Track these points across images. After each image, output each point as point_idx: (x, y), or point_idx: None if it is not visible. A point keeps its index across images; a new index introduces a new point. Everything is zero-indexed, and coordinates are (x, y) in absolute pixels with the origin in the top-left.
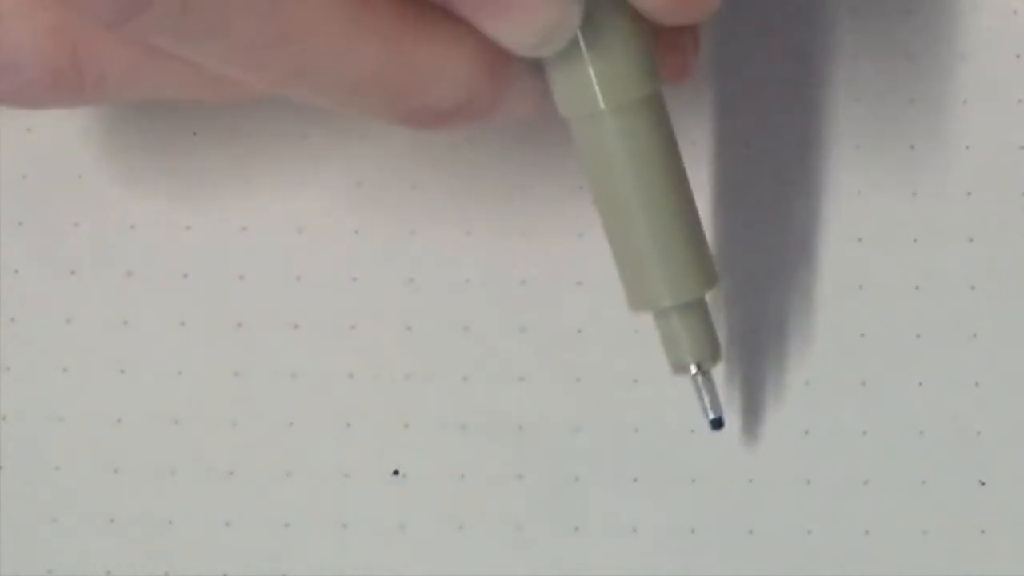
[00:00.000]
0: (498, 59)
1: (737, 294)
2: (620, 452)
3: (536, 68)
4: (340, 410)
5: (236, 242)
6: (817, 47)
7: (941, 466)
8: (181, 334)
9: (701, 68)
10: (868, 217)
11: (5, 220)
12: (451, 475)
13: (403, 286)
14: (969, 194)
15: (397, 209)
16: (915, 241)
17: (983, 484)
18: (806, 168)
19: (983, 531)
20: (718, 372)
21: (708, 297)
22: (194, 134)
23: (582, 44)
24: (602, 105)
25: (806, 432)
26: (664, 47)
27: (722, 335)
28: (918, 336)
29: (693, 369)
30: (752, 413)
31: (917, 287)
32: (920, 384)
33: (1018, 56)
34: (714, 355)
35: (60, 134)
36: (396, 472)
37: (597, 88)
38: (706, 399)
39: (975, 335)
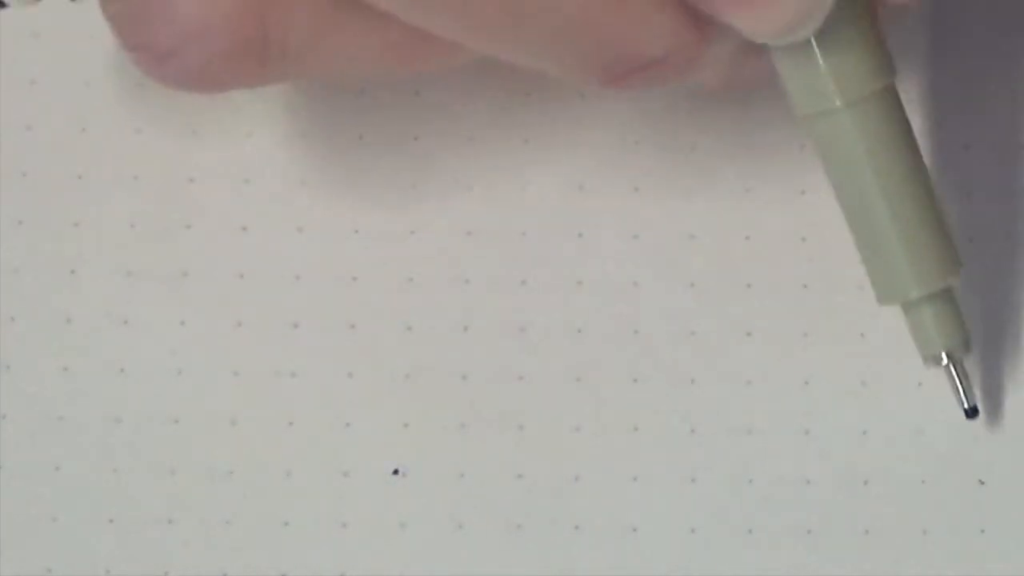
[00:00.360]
0: (703, 14)
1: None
2: (620, 452)
3: (734, 37)
4: (340, 410)
5: (236, 242)
6: None
7: (941, 466)
8: (181, 334)
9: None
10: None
11: (5, 220)
12: (451, 475)
13: (403, 286)
14: (968, 194)
15: (398, 209)
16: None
17: (983, 484)
18: (803, 170)
19: (983, 531)
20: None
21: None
22: (193, 133)
23: (814, 38)
24: (839, 102)
25: (806, 432)
26: None
27: None
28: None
29: (944, 359)
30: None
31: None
32: (920, 384)
33: (1018, 56)
34: (965, 343)
35: (60, 134)
36: (396, 472)
37: (833, 84)
38: (960, 388)
39: (975, 335)
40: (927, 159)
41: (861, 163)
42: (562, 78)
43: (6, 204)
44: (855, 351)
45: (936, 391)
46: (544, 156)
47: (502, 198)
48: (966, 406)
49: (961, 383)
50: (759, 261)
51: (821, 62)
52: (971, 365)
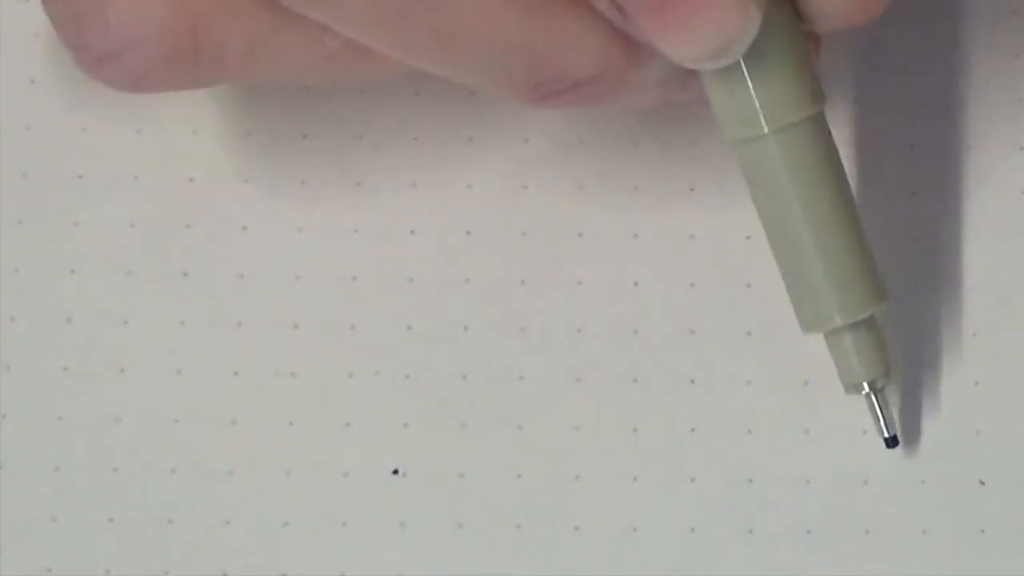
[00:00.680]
0: (633, 37)
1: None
2: (620, 452)
3: (665, 60)
4: (340, 410)
5: (236, 241)
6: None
7: (940, 466)
8: (181, 334)
9: None
10: (869, 216)
11: (5, 219)
12: (451, 474)
13: (403, 286)
14: (969, 194)
15: (397, 209)
16: (915, 241)
17: (983, 484)
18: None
19: (983, 531)
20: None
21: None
22: (193, 133)
23: (744, 63)
24: (766, 128)
25: (806, 432)
26: None
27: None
28: (918, 336)
29: (866, 388)
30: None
31: (917, 287)
32: (920, 384)
33: (1018, 56)
34: (886, 372)
35: (60, 133)
36: (396, 471)
37: (761, 110)
38: (881, 417)
39: (975, 335)
40: (853, 181)
41: (787, 190)
42: (494, 94)
43: (6, 204)
44: None
45: (936, 391)
46: (544, 156)
47: (502, 198)
48: (886, 435)
49: (882, 412)
50: (759, 261)
51: (750, 88)
52: (889, 389)
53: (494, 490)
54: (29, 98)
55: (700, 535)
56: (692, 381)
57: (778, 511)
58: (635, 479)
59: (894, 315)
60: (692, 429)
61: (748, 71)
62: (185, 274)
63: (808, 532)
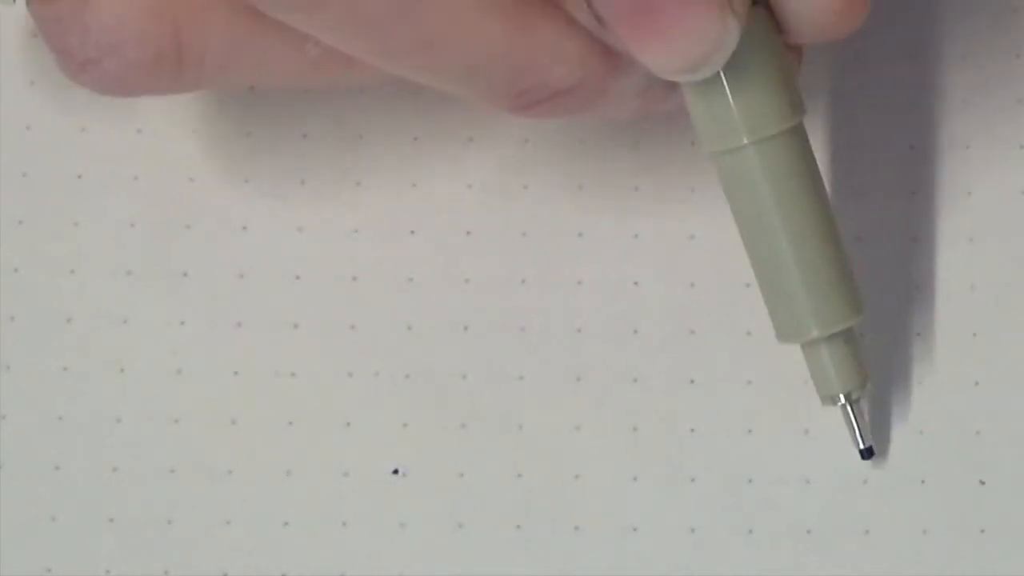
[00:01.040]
0: (612, 48)
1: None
2: (620, 452)
3: (645, 72)
4: (340, 410)
5: (236, 241)
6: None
7: (941, 466)
8: (181, 333)
9: None
10: (869, 216)
11: (5, 219)
12: (451, 474)
13: (403, 286)
14: (969, 194)
15: (397, 209)
16: (915, 241)
17: (983, 484)
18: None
19: (983, 531)
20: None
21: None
22: (193, 133)
23: (724, 75)
24: (745, 140)
25: (806, 432)
26: None
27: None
28: (918, 336)
29: (842, 399)
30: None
31: (917, 287)
32: (920, 384)
33: (1018, 56)
34: (862, 384)
35: (60, 133)
36: (396, 471)
37: (740, 122)
38: (857, 429)
39: (975, 335)
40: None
41: (766, 201)
42: (476, 103)
43: (6, 204)
44: None
45: (936, 391)
46: (544, 156)
47: (502, 198)
48: (861, 447)
49: (857, 424)
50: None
51: (730, 100)
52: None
53: (494, 490)
54: (29, 98)
55: (700, 535)
56: (692, 381)
57: (778, 511)
58: (635, 479)
59: (894, 315)
60: (692, 429)
61: (728, 83)
62: (185, 274)
63: (808, 532)
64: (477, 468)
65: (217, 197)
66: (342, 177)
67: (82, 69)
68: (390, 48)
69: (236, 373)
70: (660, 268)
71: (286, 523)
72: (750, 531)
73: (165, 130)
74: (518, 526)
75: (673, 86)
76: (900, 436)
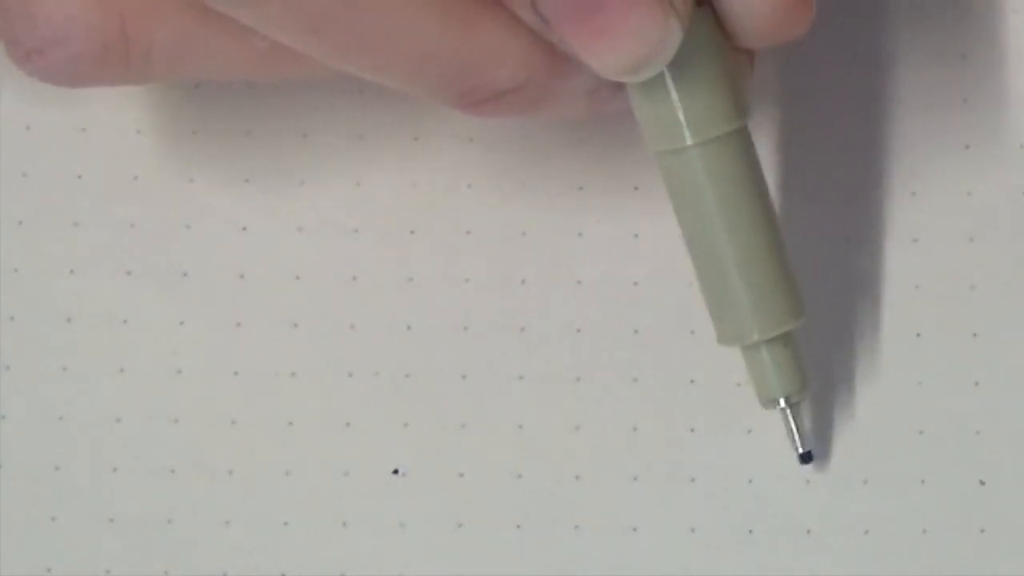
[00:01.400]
0: (558, 48)
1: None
2: (620, 452)
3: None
4: (340, 410)
5: (236, 242)
6: (819, 48)
7: (941, 466)
8: (181, 333)
9: None
10: (868, 217)
11: (5, 219)
12: (451, 474)
13: (403, 286)
14: (969, 194)
15: (397, 209)
16: (915, 241)
17: (983, 484)
18: (803, 170)
19: (983, 531)
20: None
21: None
22: (193, 133)
23: (669, 77)
24: (689, 141)
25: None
26: None
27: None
28: (918, 336)
29: (782, 403)
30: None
31: (917, 287)
32: (920, 384)
33: (1018, 55)
34: (802, 387)
35: (60, 134)
36: (396, 471)
37: (684, 123)
38: (796, 433)
39: (975, 335)
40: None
41: (709, 203)
42: (425, 101)
43: (6, 204)
44: (854, 350)
45: (936, 391)
46: (544, 156)
47: (502, 198)
48: (800, 451)
49: (797, 428)
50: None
51: (674, 100)
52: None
53: (494, 490)
54: (29, 98)
55: (700, 535)
56: (692, 381)
57: (778, 511)
58: (635, 479)
59: (895, 315)
60: (692, 429)
61: (672, 83)
62: (185, 274)
63: (808, 532)
64: (477, 468)
65: (217, 197)
66: (342, 177)
67: (27, 59)
68: (332, 45)
69: (236, 373)
70: (660, 268)
71: (286, 523)
72: (750, 531)
73: (165, 130)
74: (518, 526)
75: (620, 87)
76: (900, 436)
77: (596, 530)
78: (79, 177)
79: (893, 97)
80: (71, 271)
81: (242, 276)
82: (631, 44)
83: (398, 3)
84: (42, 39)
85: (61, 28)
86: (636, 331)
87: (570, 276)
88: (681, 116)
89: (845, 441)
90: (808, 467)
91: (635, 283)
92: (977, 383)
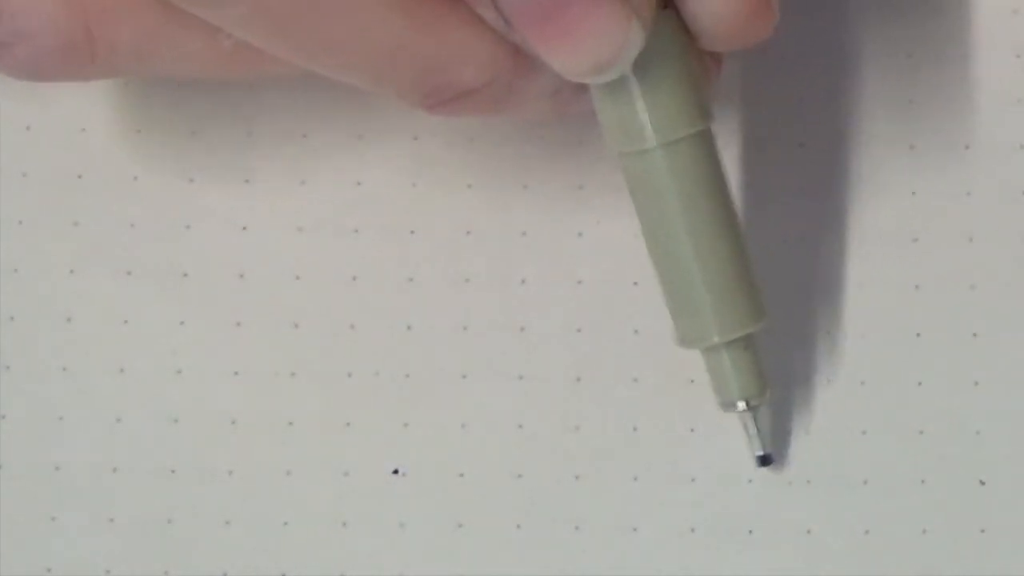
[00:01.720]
0: (521, 48)
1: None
2: (620, 452)
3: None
4: (340, 410)
5: (236, 242)
6: (816, 48)
7: (941, 466)
8: (181, 333)
9: None
10: (868, 217)
11: (5, 220)
12: (451, 474)
13: (403, 286)
14: (969, 194)
15: (397, 209)
16: (915, 241)
17: (983, 484)
18: (803, 169)
19: (983, 531)
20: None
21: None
22: (193, 133)
23: (632, 78)
24: (652, 142)
25: (806, 432)
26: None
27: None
28: (918, 336)
29: (741, 406)
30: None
31: (917, 287)
32: (920, 384)
33: (1018, 56)
34: (762, 390)
35: (60, 134)
36: (396, 471)
37: (648, 124)
38: (754, 436)
39: (975, 335)
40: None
41: (672, 205)
42: (389, 100)
43: (6, 204)
44: (853, 349)
45: (936, 391)
46: (544, 156)
47: (502, 198)
48: (759, 453)
49: (758, 430)
50: (757, 261)
51: (637, 102)
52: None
53: (494, 490)
54: (29, 98)
55: (700, 535)
56: (692, 381)
57: (778, 511)
58: (635, 479)
59: (895, 315)
60: (692, 429)
61: (635, 85)
62: (185, 274)
63: (808, 532)
64: (477, 468)
65: (217, 197)
66: (342, 177)
67: None
68: (296, 45)
69: (236, 373)
70: None
71: (286, 523)
72: (750, 531)
73: (165, 130)
74: (518, 526)
75: (584, 87)
76: (900, 436)
77: (596, 530)
78: (79, 177)
79: (894, 98)
80: (71, 271)
81: (242, 276)
82: (593, 46)
83: (362, 3)
84: (8, 34)
85: (27, 23)
86: (636, 331)
87: (570, 276)
88: (644, 118)
89: (845, 442)
90: (807, 468)
91: (635, 283)
92: (977, 383)
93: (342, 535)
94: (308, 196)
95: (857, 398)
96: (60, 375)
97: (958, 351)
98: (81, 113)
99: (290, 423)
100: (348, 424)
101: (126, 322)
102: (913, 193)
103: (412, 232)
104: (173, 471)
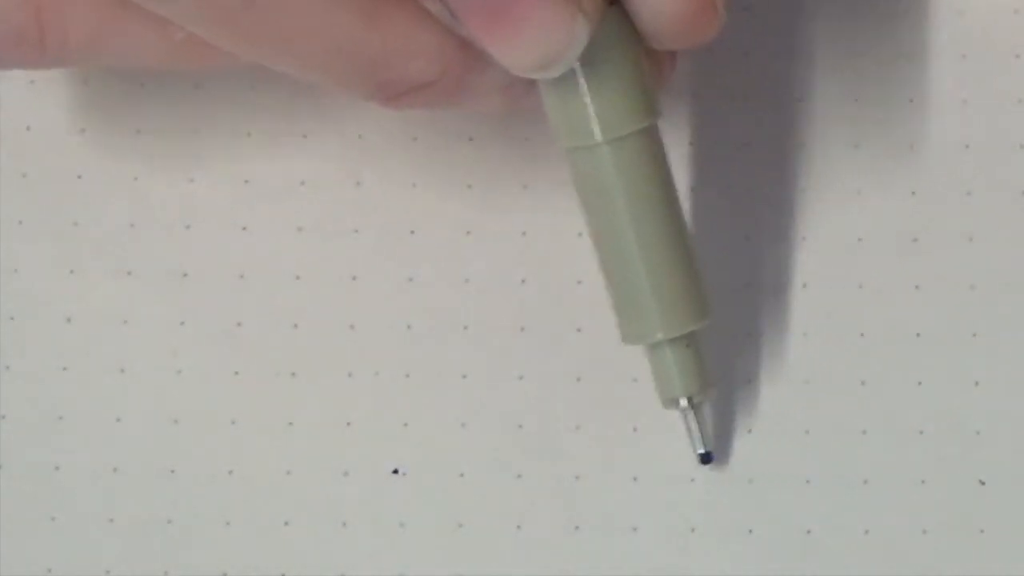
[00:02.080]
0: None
1: (735, 290)
2: (620, 451)
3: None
4: (340, 409)
5: (236, 242)
6: (815, 46)
7: (941, 466)
8: (181, 334)
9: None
10: (868, 217)
11: (5, 220)
12: (451, 474)
13: (403, 286)
14: (969, 194)
15: (398, 209)
16: (915, 241)
17: (983, 484)
18: (804, 168)
19: (983, 531)
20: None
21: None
22: (194, 133)
23: (580, 74)
24: (599, 138)
25: (806, 432)
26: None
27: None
28: (918, 336)
29: (683, 403)
30: (751, 411)
31: (917, 287)
32: (920, 384)
33: (1018, 56)
34: (704, 388)
35: (60, 134)
36: (396, 471)
37: (595, 120)
38: (696, 433)
39: (975, 335)
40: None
41: (617, 201)
42: (341, 94)
43: (6, 204)
44: (853, 349)
45: (936, 391)
46: (544, 156)
47: (502, 198)
48: (701, 451)
49: (700, 428)
50: (758, 261)
51: (584, 97)
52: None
53: (494, 490)
54: (29, 98)
55: (700, 535)
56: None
57: (778, 511)
58: (635, 479)
59: (896, 314)
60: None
61: (582, 80)
62: (185, 274)
63: (808, 532)
64: (477, 468)
65: (216, 197)
66: (342, 177)
67: None
68: (244, 39)
69: (236, 373)
70: None
71: (286, 523)
72: (750, 531)
73: (165, 130)
74: (518, 526)
75: (533, 82)
76: (900, 436)
77: (596, 530)
78: (79, 177)
79: (894, 98)
80: (71, 271)
81: (242, 276)
82: (538, 42)
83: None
84: None
85: None
86: None
87: (569, 276)
88: (591, 113)
89: (844, 442)
90: (809, 467)
91: None
92: (977, 383)
93: (342, 535)
94: (308, 196)
95: (858, 398)
96: (60, 375)
97: (958, 351)
98: (81, 113)
99: (290, 423)
100: (348, 424)
101: (126, 322)
102: (913, 193)
103: (412, 232)
104: (173, 471)
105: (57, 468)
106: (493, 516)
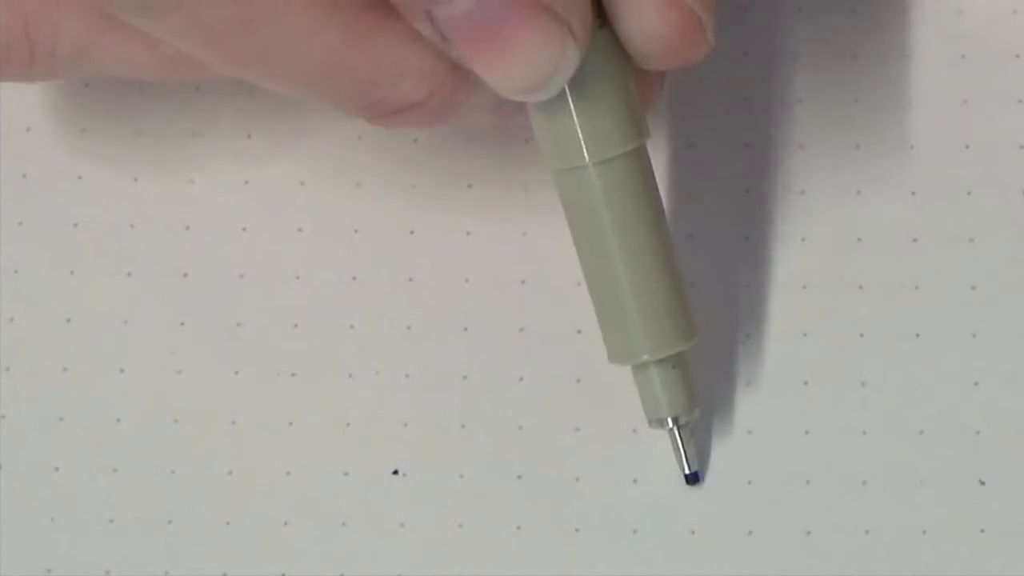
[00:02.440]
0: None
1: (735, 290)
2: (619, 452)
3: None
4: (340, 410)
5: (236, 242)
6: (815, 46)
7: (941, 466)
8: (181, 334)
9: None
10: (868, 217)
11: (5, 220)
12: (451, 474)
13: (403, 286)
14: (969, 194)
15: (397, 209)
16: (915, 241)
17: (983, 484)
18: (804, 168)
19: (983, 531)
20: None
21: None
22: (193, 134)
23: (569, 96)
24: (587, 160)
25: (806, 432)
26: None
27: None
28: (918, 336)
29: (670, 423)
30: (751, 412)
31: (917, 287)
32: (920, 384)
33: (1018, 56)
34: (690, 408)
35: (60, 134)
36: (395, 471)
37: (583, 142)
38: (683, 453)
39: (975, 335)
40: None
41: (605, 223)
42: (330, 111)
43: (6, 204)
44: (853, 349)
45: (936, 391)
46: None
47: (502, 198)
48: (687, 471)
49: (684, 449)
50: (758, 261)
51: (572, 119)
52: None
53: (494, 490)
54: (29, 99)
55: (700, 535)
56: None
57: (778, 511)
58: (635, 480)
59: (896, 314)
60: (691, 429)
61: (570, 102)
62: (185, 274)
63: (808, 533)
64: (477, 468)
65: (217, 197)
66: (342, 177)
67: None
68: (231, 57)
69: (236, 373)
70: None
71: (286, 523)
72: (750, 531)
73: (165, 130)
74: (518, 526)
75: (522, 103)
76: (900, 436)
77: (596, 530)
78: (79, 177)
79: (894, 98)
80: (71, 271)
81: (242, 276)
82: (527, 66)
83: (296, 17)
84: None
85: None
86: None
87: (570, 276)
88: (579, 135)
89: (844, 442)
90: (809, 467)
91: None
92: (977, 383)
93: (342, 535)
94: (308, 196)
95: (858, 398)
96: (60, 375)
97: (958, 351)
98: (81, 114)
99: (290, 423)
100: (348, 424)
101: (126, 322)
102: (912, 193)
103: (412, 232)
104: (173, 471)
105: (57, 468)
106: (493, 517)
